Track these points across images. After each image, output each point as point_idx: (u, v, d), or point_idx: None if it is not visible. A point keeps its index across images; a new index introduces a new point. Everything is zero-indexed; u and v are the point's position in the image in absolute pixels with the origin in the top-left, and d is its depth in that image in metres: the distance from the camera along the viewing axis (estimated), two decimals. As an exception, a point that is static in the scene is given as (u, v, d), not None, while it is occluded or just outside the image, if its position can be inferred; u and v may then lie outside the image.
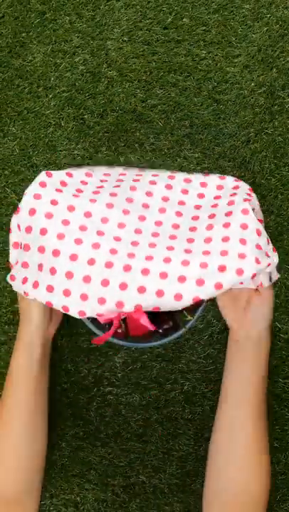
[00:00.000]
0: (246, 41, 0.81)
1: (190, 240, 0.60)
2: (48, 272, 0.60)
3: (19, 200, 0.81)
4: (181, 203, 0.64)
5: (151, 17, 0.82)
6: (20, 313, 0.68)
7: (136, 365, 0.79)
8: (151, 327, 0.58)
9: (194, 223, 0.62)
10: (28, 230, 0.62)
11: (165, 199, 0.64)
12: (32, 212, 0.62)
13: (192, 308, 0.70)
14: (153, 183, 0.66)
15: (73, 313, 0.59)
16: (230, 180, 0.68)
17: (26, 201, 0.63)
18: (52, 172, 0.65)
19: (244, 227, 0.61)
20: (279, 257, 0.79)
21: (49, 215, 0.61)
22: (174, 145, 0.81)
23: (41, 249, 0.61)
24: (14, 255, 0.65)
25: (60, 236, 0.60)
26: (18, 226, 0.64)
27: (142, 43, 0.81)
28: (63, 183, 0.65)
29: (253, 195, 0.67)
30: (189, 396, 0.79)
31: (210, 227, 0.61)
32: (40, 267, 0.61)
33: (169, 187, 0.65)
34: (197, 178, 0.68)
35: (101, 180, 0.66)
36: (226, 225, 0.61)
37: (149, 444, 0.78)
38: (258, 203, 0.66)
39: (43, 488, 0.75)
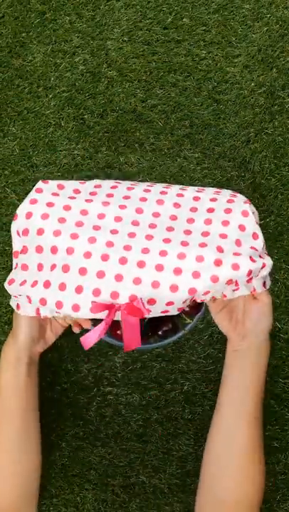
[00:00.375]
0: (246, 41, 0.81)
1: (187, 232, 0.61)
2: (48, 269, 0.60)
3: (19, 200, 0.81)
4: (180, 195, 0.64)
5: (151, 17, 0.81)
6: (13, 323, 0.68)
7: (136, 365, 0.79)
8: (146, 312, 0.57)
9: (192, 215, 0.63)
10: (25, 232, 0.62)
11: (163, 193, 0.64)
12: (28, 215, 0.62)
13: (191, 312, 0.70)
14: (150, 186, 0.66)
15: (67, 308, 0.59)
16: (227, 193, 0.67)
17: (23, 207, 0.63)
18: (49, 180, 0.66)
19: (242, 228, 0.61)
20: (279, 257, 0.79)
21: (45, 216, 0.62)
22: (174, 145, 0.81)
23: (39, 249, 0.61)
24: (14, 262, 0.65)
25: (57, 233, 0.60)
26: (18, 232, 0.64)
27: (142, 43, 0.81)
28: (60, 186, 0.65)
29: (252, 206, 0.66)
30: (189, 396, 0.79)
31: (208, 221, 0.61)
32: (39, 266, 0.61)
33: (163, 193, 0.65)
34: (191, 191, 0.67)
35: (95, 186, 0.66)
36: (225, 223, 0.61)
37: (149, 444, 0.78)
38: (257, 213, 0.65)
39: (42, 489, 0.75)
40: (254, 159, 0.80)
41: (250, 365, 0.64)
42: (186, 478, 0.78)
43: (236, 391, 0.65)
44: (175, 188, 0.65)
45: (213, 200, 0.64)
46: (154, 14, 0.81)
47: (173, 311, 0.60)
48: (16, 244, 0.64)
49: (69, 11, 0.82)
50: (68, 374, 0.79)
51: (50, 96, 0.82)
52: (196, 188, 0.66)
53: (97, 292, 0.58)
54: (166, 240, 0.60)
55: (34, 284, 0.61)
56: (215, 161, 0.80)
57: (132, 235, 0.60)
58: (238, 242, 0.60)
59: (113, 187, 0.65)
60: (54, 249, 0.60)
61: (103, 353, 0.79)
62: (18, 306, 0.63)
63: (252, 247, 0.60)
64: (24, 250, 0.63)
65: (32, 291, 0.61)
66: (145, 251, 0.59)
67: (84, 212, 0.62)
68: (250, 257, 0.59)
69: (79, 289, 0.58)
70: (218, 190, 0.66)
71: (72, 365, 0.79)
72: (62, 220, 0.61)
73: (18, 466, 0.66)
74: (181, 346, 0.79)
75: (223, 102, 0.81)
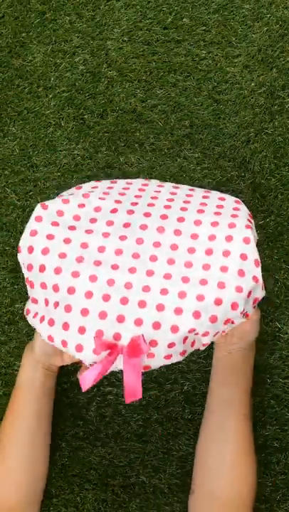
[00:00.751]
0: (246, 41, 0.81)
1: (188, 265, 0.60)
2: (52, 306, 0.61)
3: (19, 200, 0.81)
4: (181, 219, 0.63)
5: (151, 17, 0.82)
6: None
7: (136, 365, 0.79)
8: (147, 348, 0.57)
9: (194, 243, 0.62)
10: (30, 268, 0.63)
11: (164, 217, 0.64)
12: (30, 249, 0.63)
13: None
14: (151, 205, 0.65)
15: (72, 348, 0.59)
16: (230, 201, 0.67)
17: (24, 239, 0.64)
18: (47, 203, 0.65)
19: (244, 257, 0.61)
20: (279, 257, 0.79)
21: (45, 251, 0.62)
22: (174, 145, 0.81)
23: (43, 286, 0.62)
24: (28, 290, 0.66)
25: (58, 270, 0.61)
26: (23, 265, 0.65)
27: (142, 43, 0.81)
28: (60, 213, 0.64)
29: (252, 221, 0.66)
30: (189, 396, 0.79)
31: (209, 251, 0.61)
32: (46, 301, 0.62)
33: (167, 207, 0.65)
34: (198, 195, 0.66)
35: (95, 209, 0.65)
36: (226, 254, 0.61)
37: (149, 444, 0.78)
38: (255, 235, 0.65)
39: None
40: (254, 159, 0.80)
41: (236, 369, 0.67)
42: (186, 478, 0.78)
43: (225, 390, 0.67)
44: (176, 207, 0.64)
45: (214, 224, 0.62)
46: (154, 14, 0.81)
47: (176, 357, 0.59)
48: (26, 275, 0.65)
49: (69, 11, 0.82)
50: (68, 374, 0.79)
51: (50, 96, 0.82)
52: (198, 203, 0.65)
53: (100, 334, 0.58)
54: (167, 276, 0.59)
55: (42, 319, 0.62)
56: (215, 161, 0.80)
57: (132, 270, 0.60)
58: (240, 273, 0.60)
59: (117, 201, 0.64)
60: (56, 288, 0.60)
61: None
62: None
63: (254, 278, 0.60)
64: (31, 285, 0.64)
65: (41, 327, 0.62)
66: (146, 289, 0.59)
67: (84, 246, 0.61)
68: (249, 292, 0.60)
69: (82, 330, 0.59)
70: (220, 203, 0.65)
71: (72, 365, 0.79)
72: (62, 256, 0.61)
73: (23, 474, 0.67)
74: (181, 346, 0.79)
75: (223, 102, 0.81)
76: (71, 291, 0.59)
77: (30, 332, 0.80)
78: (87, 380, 0.57)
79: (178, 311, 0.58)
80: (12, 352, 0.80)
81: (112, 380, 0.79)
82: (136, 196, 0.66)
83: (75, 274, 0.60)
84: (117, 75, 0.82)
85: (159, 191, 0.67)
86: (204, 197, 0.66)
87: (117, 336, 0.58)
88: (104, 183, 0.69)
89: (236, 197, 0.79)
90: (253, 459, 0.66)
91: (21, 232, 0.81)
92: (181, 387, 0.79)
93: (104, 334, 0.58)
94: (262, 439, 0.77)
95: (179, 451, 0.78)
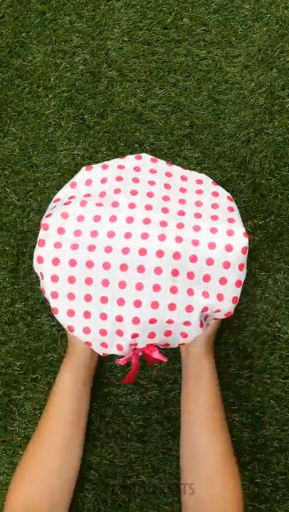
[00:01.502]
0: (246, 41, 0.81)
1: (190, 275, 0.65)
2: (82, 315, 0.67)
3: (19, 200, 0.81)
4: (180, 226, 0.65)
5: (151, 17, 0.82)
6: (68, 341, 0.73)
7: (136, 365, 0.79)
8: (164, 359, 0.66)
9: (195, 250, 0.65)
10: (42, 276, 0.67)
11: (163, 224, 0.66)
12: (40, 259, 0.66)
13: None
14: (148, 221, 0.67)
15: (96, 345, 0.66)
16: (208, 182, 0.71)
17: (36, 251, 0.67)
18: (51, 214, 0.67)
19: (226, 265, 0.65)
20: (279, 257, 0.79)
21: (56, 261, 0.65)
22: (174, 145, 0.81)
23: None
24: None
25: (71, 296, 0.65)
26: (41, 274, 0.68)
27: (142, 43, 0.81)
28: (61, 230, 0.66)
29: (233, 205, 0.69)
30: (189, 396, 0.79)
31: (210, 262, 0.65)
32: (70, 312, 0.66)
33: (163, 224, 0.66)
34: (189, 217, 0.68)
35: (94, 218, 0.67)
36: (226, 265, 0.65)
37: (149, 444, 0.78)
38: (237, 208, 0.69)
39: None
40: (254, 159, 0.80)
41: (194, 372, 0.70)
42: (186, 478, 0.78)
43: (191, 390, 0.70)
44: (173, 214, 0.66)
45: (214, 217, 0.66)
46: (154, 14, 0.81)
47: (194, 331, 0.66)
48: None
49: (69, 11, 0.82)
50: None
51: (50, 96, 0.82)
52: (194, 211, 0.67)
53: (120, 333, 0.65)
54: (175, 273, 0.64)
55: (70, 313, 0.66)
56: (215, 161, 0.80)
57: (139, 286, 0.64)
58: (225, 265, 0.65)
59: (112, 218, 0.65)
60: (71, 296, 0.66)
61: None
62: (70, 328, 0.67)
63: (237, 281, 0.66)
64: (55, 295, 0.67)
65: (78, 330, 0.66)
66: (156, 288, 0.64)
67: (89, 265, 0.65)
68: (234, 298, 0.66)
69: (103, 332, 0.65)
70: (215, 211, 0.67)
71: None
72: (72, 280, 0.65)
73: (55, 476, 0.67)
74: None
75: (223, 102, 0.81)
76: (88, 298, 0.65)
77: (30, 332, 0.80)
78: (130, 378, 0.69)
79: (189, 308, 0.65)
80: (12, 352, 0.80)
81: (112, 380, 0.79)
82: (130, 208, 0.67)
83: (88, 298, 0.66)
84: (117, 75, 0.82)
85: (152, 209, 0.68)
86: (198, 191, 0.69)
87: (135, 335, 0.65)
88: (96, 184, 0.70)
89: (236, 197, 0.79)
90: (230, 464, 0.66)
91: (21, 232, 0.81)
92: (181, 387, 0.79)
93: (124, 334, 0.65)
94: (262, 439, 0.77)
95: (179, 451, 0.78)
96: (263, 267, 0.79)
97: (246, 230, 0.79)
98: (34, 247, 0.81)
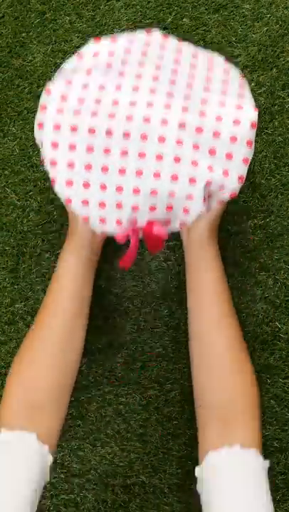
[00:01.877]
0: (246, 41, 0.81)
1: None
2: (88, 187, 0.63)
3: (19, 200, 0.81)
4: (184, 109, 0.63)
5: (151, 17, 0.82)
6: (69, 219, 0.69)
7: (136, 365, 0.79)
8: (164, 235, 0.62)
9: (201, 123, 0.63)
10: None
11: (167, 106, 0.63)
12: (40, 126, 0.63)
13: None
14: (150, 105, 0.63)
15: (94, 220, 0.63)
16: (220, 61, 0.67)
17: (37, 116, 0.63)
18: (51, 89, 0.64)
19: (233, 139, 0.62)
20: (279, 257, 0.79)
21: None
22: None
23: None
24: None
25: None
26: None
27: (142, 43, 0.81)
28: (63, 98, 0.63)
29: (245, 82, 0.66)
30: (189, 396, 0.79)
31: (217, 134, 0.62)
32: (85, 185, 0.63)
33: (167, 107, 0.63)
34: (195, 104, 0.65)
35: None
36: (233, 140, 0.62)
37: (149, 444, 0.78)
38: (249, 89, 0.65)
39: (42, 489, 0.75)
40: (254, 159, 0.80)
41: (196, 258, 0.67)
42: (186, 478, 0.78)
43: (193, 278, 0.67)
44: (181, 85, 0.64)
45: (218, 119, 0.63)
46: (154, 14, 0.81)
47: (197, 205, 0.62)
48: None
49: (69, 11, 0.82)
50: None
51: (50, 96, 0.82)
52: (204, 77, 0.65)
53: (119, 206, 0.62)
54: (179, 142, 0.61)
55: (68, 183, 0.63)
56: (215, 161, 0.80)
57: (142, 155, 0.61)
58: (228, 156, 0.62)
59: (118, 87, 0.63)
60: (71, 165, 0.63)
61: (103, 352, 0.79)
62: (68, 200, 0.64)
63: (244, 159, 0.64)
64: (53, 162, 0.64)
65: (84, 210, 0.63)
66: (159, 158, 0.61)
67: (92, 131, 0.62)
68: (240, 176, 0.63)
69: (102, 205, 0.63)
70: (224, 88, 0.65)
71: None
72: (72, 148, 0.62)
73: (58, 358, 0.64)
74: (181, 346, 0.79)
75: (223, 102, 0.81)
76: (88, 167, 0.62)
77: (30, 332, 0.80)
78: (126, 261, 0.65)
79: (192, 180, 0.61)
80: (12, 352, 0.80)
81: (112, 380, 0.79)
82: (139, 64, 0.64)
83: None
84: (117, 75, 0.82)
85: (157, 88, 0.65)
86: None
87: (135, 208, 0.62)
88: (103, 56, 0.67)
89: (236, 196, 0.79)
90: (243, 358, 0.65)
91: (21, 232, 0.81)
92: (181, 387, 0.79)
93: (124, 207, 0.62)
94: (262, 439, 0.77)
95: (179, 451, 0.78)
96: (263, 267, 0.79)
97: (246, 230, 0.79)
98: (34, 247, 0.81)
